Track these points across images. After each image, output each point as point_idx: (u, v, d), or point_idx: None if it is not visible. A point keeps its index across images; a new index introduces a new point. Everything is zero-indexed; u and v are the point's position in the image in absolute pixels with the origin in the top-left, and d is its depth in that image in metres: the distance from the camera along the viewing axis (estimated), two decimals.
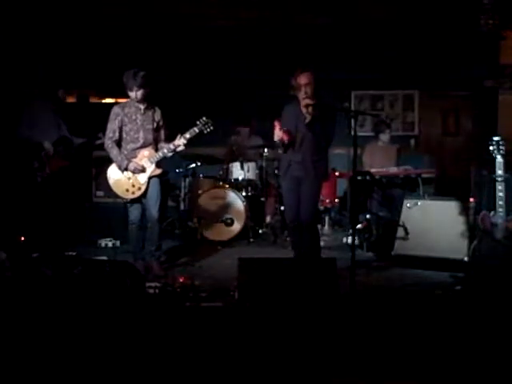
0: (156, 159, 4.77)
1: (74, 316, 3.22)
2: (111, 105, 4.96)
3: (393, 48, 7.71)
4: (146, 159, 4.76)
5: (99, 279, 3.47)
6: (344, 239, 5.95)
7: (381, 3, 6.68)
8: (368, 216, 5.90)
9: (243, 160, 6.56)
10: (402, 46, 7.68)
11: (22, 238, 5.22)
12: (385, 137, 6.60)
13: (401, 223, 5.19)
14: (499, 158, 4.34)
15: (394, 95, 8.26)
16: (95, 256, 5.01)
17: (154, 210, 4.75)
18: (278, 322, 3.31)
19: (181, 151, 4.84)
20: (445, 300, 4.05)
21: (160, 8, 6.79)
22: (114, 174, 4.83)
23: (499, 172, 4.33)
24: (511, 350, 3.00)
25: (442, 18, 6.93)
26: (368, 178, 5.92)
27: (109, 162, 4.86)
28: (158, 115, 4.83)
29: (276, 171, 6.31)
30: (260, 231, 6.61)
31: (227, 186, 6.45)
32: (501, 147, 4.32)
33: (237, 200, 6.27)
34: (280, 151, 4.63)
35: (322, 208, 6.32)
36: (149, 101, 4.78)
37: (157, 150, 4.80)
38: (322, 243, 4.98)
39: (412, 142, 8.21)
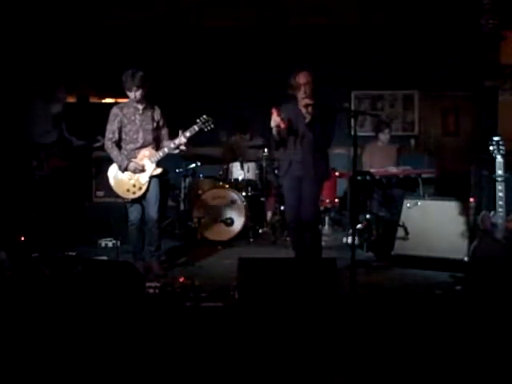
0: (157, 159, 4.75)
1: (74, 316, 3.22)
2: (111, 105, 4.95)
3: (393, 48, 7.72)
4: (147, 159, 4.75)
5: (99, 279, 3.47)
6: (344, 239, 5.95)
7: (381, 3, 6.69)
8: (368, 216, 5.90)
9: (243, 160, 6.56)
10: (402, 46, 7.69)
11: (22, 238, 5.22)
12: (385, 137, 6.59)
13: (401, 223, 5.19)
14: (499, 158, 4.33)
15: (394, 95, 8.27)
16: (95, 256, 5.02)
17: (153, 211, 4.75)
18: (278, 321, 3.31)
19: (181, 151, 4.83)
20: (445, 300, 4.05)
21: (160, 8, 6.81)
22: (114, 174, 4.83)
23: (499, 172, 4.32)
24: (511, 350, 3.01)
25: (442, 18, 6.94)
26: (368, 178, 5.91)
27: (109, 162, 4.85)
28: (157, 114, 4.82)
29: (276, 171, 6.31)
30: (260, 231, 6.60)
31: (227, 186, 6.44)
32: (501, 147, 4.31)
33: (237, 200, 6.27)
34: (273, 141, 4.57)
35: (322, 208, 6.32)
36: (148, 100, 4.77)
37: (158, 149, 4.79)
38: (322, 243, 4.98)
39: (412, 141, 8.22)
